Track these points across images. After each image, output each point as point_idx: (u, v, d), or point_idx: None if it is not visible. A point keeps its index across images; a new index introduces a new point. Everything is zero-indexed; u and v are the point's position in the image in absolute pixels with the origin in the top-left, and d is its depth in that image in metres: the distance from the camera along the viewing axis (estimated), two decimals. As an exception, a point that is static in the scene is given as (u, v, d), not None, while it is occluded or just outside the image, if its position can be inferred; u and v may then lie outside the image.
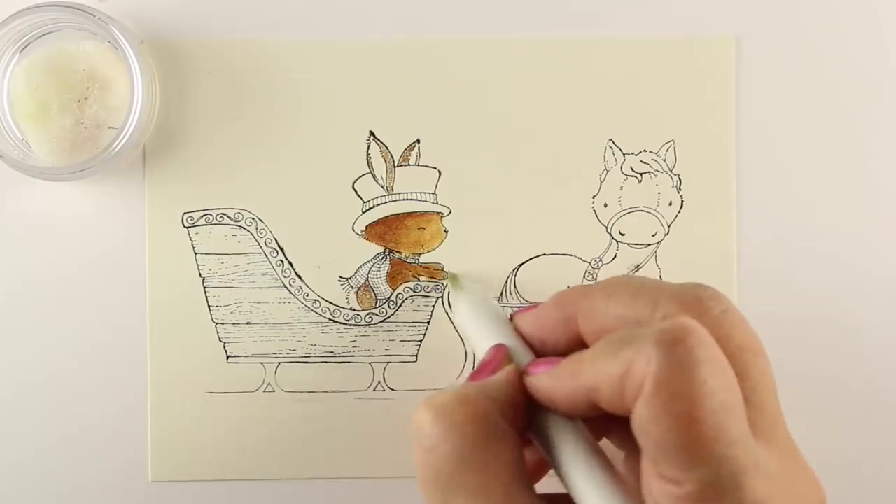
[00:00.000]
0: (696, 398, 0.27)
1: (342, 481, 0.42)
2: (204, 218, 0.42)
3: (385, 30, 0.42)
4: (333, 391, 0.42)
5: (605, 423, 0.32)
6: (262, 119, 0.42)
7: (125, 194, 0.42)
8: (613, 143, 0.42)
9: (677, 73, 0.42)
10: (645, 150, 0.42)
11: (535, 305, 0.35)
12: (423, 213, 0.42)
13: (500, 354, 0.34)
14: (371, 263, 0.42)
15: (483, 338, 0.36)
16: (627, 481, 0.31)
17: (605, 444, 0.32)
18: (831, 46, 0.42)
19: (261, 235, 0.42)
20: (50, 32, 0.41)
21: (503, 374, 0.33)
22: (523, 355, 0.34)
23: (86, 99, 0.40)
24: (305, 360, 0.42)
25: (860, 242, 0.42)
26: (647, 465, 0.29)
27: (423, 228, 0.42)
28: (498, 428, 0.30)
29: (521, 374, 0.33)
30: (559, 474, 0.32)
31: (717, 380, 0.27)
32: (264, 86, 0.42)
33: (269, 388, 0.42)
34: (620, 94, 0.42)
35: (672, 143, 0.42)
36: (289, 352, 0.42)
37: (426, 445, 0.30)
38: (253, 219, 0.42)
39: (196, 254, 0.42)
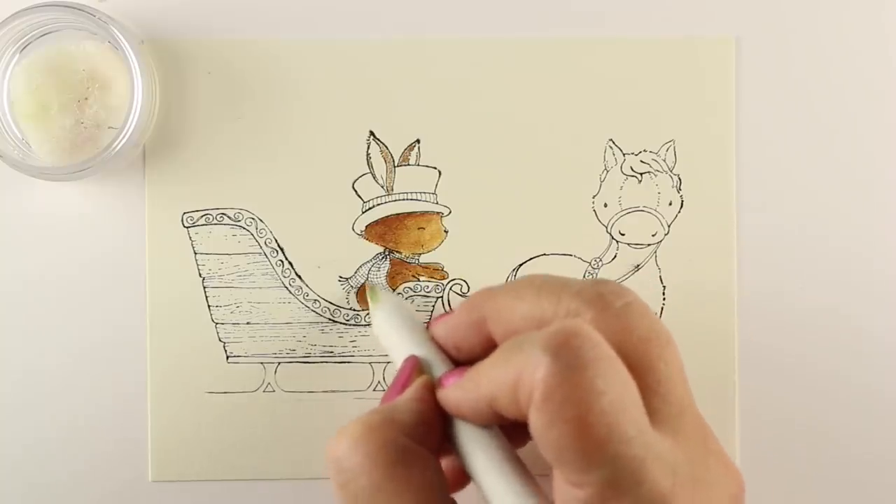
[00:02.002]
0: (585, 401, 0.27)
1: (342, 481, 0.42)
2: (204, 218, 0.42)
3: (385, 30, 0.42)
4: (333, 391, 0.42)
5: (523, 432, 0.31)
6: (262, 119, 0.42)
7: (125, 194, 0.42)
8: (613, 143, 0.42)
9: (677, 73, 0.42)
10: (645, 150, 0.42)
11: (451, 312, 0.35)
12: (423, 213, 0.42)
13: (409, 369, 0.35)
14: (371, 263, 0.42)
15: (398, 348, 0.37)
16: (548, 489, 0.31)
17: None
18: (831, 46, 0.42)
19: (261, 235, 0.42)
20: (50, 32, 0.41)
21: (411, 392, 0.33)
22: (438, 365, 0.35)
23: (86, 99, 0.40)
24: (305, 360, 0.42)
25: (860, 242, 0.42)
26: (555, 472, 0.29)
27: (423, 228, 0.42)
28: (408, 452, 0.31)
29: (431, 386, 0.33)
30: (476, 482, 0.32)
31: (606, 379, 0.28)
32: (264, 86, 0.42)
33: (269, 388, 0.42)
34: (620, 94, 0.42)
35: (672, 143, 0.42)
36: (289, 352, 0.42)
37: (341, 481, 0.31)
38: (253, 219, 0.42)
39: (196, 254, 0.42)
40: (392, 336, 0.37)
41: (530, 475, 0.31)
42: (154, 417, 0.41)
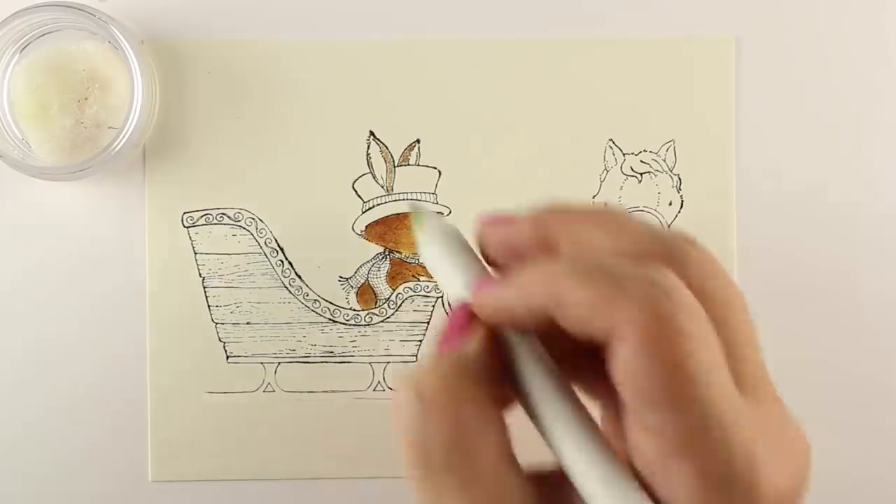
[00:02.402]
0: (687, 344, 0.27)
1: (342, 481, 0.42)
2: (204, 218, 0.42)
3: (385, 30, 0.42)
4: (333, 391, 0.42)
5: (573, 369, 0.31)
6: (262, 119, 0.42)
7: (125, 194, 0.42)
8: (613, 143, 0.42)
9: (677, 73, 0.42)
10: (645, 150, 0.42)
11: (505, 216, 0.33)
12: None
13: (467, 314, 0.32)
14: (371, 263, 0.42)
15: (452, 282, 0.33)
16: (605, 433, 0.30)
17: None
18: (831, 46, 0.42)
19: (261, 235, 0.42)
20: (50, 32, 0.41)
21: (477, 341, 0.31)
22: None
23: (86, 99, 0.40)
24: (305, 360, 0.42)
25: (860, 242, 0.42)
26: (629, 418, 0.28)
27: (423, 228, 0.42)
28: (484, 409, 0.29)
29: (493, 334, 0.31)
30: (538, 425, 0.30)
31: (702, 330, 0.27)
32: (264, 86, 0.42)
33: (269, 388, 0.42)
34: (620, 94, 0.42)
35: (672, 143, 0.42)
36: (289, 352, 0.42)
37: (413, 439, 0.29)
38: (253, 219, 0.42)
39: (196, 254, 0.42)
40: (443, 264, 0.34)
41: (589, 416, 0.30)
42: (154, 417, 0.41)
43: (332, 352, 0.42)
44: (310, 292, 0.42)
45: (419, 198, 0.42)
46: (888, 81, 0.42)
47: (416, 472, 0.30)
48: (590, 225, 0.31)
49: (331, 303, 0.42)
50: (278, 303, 0.42)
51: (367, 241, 0.42)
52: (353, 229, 0.42)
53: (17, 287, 0.42)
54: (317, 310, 0.42)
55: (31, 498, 0.42)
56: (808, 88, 0.42)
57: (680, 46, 0.42)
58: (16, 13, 0.39)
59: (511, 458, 0.30)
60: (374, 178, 0.42)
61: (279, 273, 0.42)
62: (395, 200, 0.42)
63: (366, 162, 0.42)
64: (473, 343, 0.31)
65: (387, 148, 0.42)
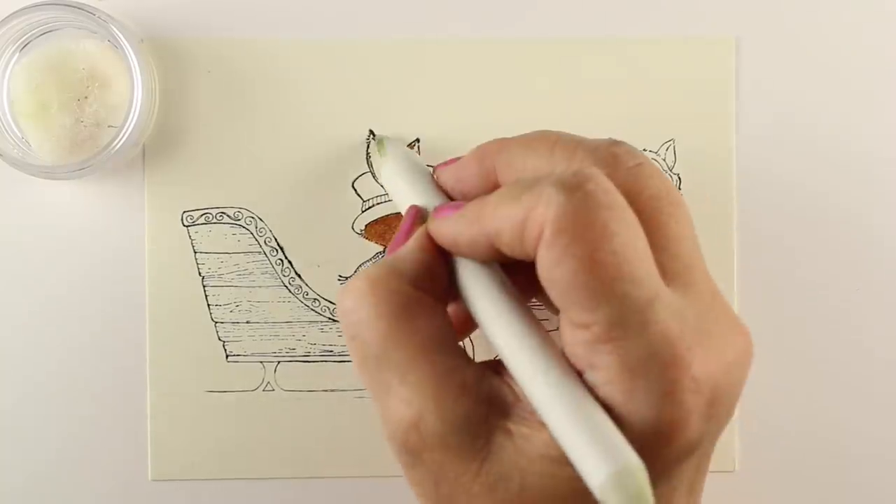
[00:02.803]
0: (596, 240, 0.27)
1: (342, 481, 0.42)
2: (203, 217, 0.42)
3: (385, 30, 0.42)
4: (333, 390, 0.42)
5: (530, 283, 0.31)
6: (262, 118, 0.42)
7: (125, 194, 0.42)
8: (613, 142, 0.42)
9: (677, 73, 0.42)
10: (645, 150, 0.42)
11: (456, 159, 0.35)
12: (423, 213, 0.42)
13: (412, 217, 0.34)
14: (371, 262, 0.42)
15: (405, 197, 0.36)
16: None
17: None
18: (831, 46, 0.42)
19: (260, 234, 0.42)
20: (50, 31, 0.41)
21: (413, 241, 0.33)
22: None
23: (86, 98, 0.40)
24: (305, 359, 0.42)
25: (860, 242, 0.42)
26: (561, 317, 0.29)
27: (423, 228, 0.42)
28: (412, 300, 0.31)
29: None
30: (479, 324, 0.32)
31: (617, 224, 0.28)
32: (264, 85, 0.42)
33: (269, 388, 0.42)
34: (620, 94, 0.42)
35: (672, 142, 0.42)
36: (288, 351, 0.42)
37: (350, 334, 0.31)
38: (252, 218, 0.42)
39: (196, 253, 0.42)
40: (398, 185, 0.37)
41: (531, 314, 0.31)
42: (154, 417, 0.41)
43: (331, 351, 0.42)
44: (309, 291, 0.42)
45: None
46: (889, 81, 0.42)
47: (358, 366, 0.31)
48: (521, 150, 0.32)
49: (331, 302, 0.42)
50: (278, 302, 0.42)
51: (366, 240, 0.42)
52: (353, 228, 0.42)
53: (16, 286, 0.42)
54: (316, 309, 0.42)
55: (30, 497, 0.42)
56: (808, 88, 0.42)
57: (680, 46, 0.42)
58: (15, 12, 0.39)
59: (446, 346, 0.31)
60: (373, 177, 0.42)
61: (279, 272, 0.42)
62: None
63: (366, 161, 0.42)
64: (409, 244, 0.32)
65: (387, 147, 0.42)
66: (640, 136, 0.42)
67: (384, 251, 0.42)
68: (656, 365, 0.27)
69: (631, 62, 0.42)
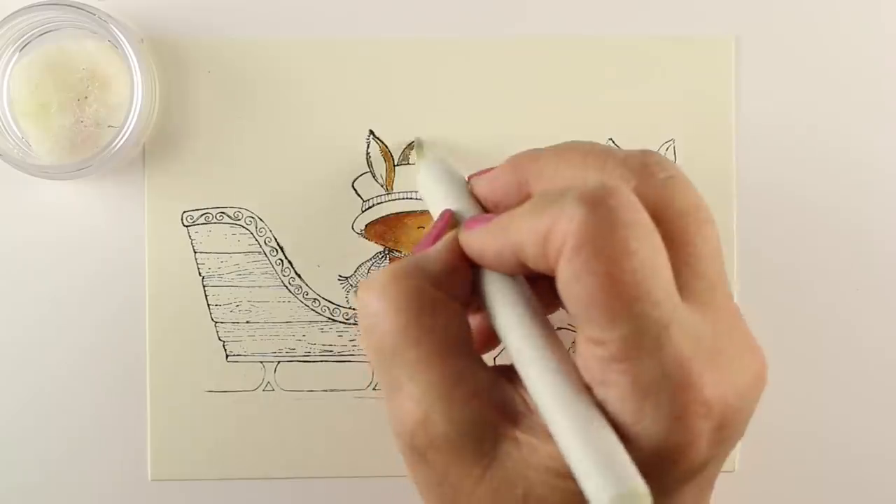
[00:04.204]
0: (616, 257, 0.27)
1: (342, 481, 0.42)
2: (203, 217, 0.42)
3: (385, 30, 0.42)
4: (333, 390, 0.42)
5: (550, 293, 0.31)
6: (262, 118, 0.42)
7: (125, 193, 0.42)
8: (613, 142, 0.42)
9: (677, 72, 0.42)
10: (645, 150, 0.42)
11: (490, 169, 0.35)
12: (423, 213, 0.42)
13: (444, 220, 0.34)
14: (371, 262, 0.42)
15: (438, 203, 0.36)
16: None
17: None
18: (831, 46, 0.42)
19: (260, 234, 0.42)
20: (50, 31, 0.41)
21: (443, 243, 0.33)
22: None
23: (85, 98, 0.40)
24: (305, 359, 0.42)
25: (861, 242, 0.42)
26: (578, 331, 0.29)
27: (423, 227, 0.42)
28: (433, 300, 0.31)
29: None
30: (499, 335, 0.32)
31: (638, 241, 0.28)
32: (264, 85, 0.42)
33: (269, 387, 0.42)
34: (620, 93, 0.42)
35: (672, 142, 0.42)
36: (288, 351, 0.42)
37: (366, 325, 0.31)
38: (252, 217, 0.42)
39: (196, 252, 0.42)
40: (434, 190, 0.37)
41: (550, 328, 0.31)
42: (154, 417, 0.41)
43: (331, 351, 0.42)
44: (309, 291, 0.42)
45: (419, 197, 0.42)
46: (888, 81, 0.42)
47: (372, 359, 0.31)
48: (553, 160, 0.32)
49: (330, 302, 0.42)
50: (278, 302, 0.42)
51: (366, 241, 0.42)
52: (353, 228, 0.42)
53: (16, 286, 0.42)
54: (316, 309, 0.42)
55: (30, 497, 0.42)
56: (808, 88, 0.42)
57: (680, 46, 0.42)
58: (15, 12, 0.39)
59: (462, 348, 0.31)
60: (373, 177, 0.42)
61: (279, 272, 0.42)
62: (395, 199, 0.42)
63: (366, 161, 0.42)
64: (438, 246, 0.32)
65: (387, 147, 0.42)
66: (640, 136, 0.42)
67: (384, 251, 0.42)
68: (668, 387, 0.27)
69: (631, 62, 0.42)
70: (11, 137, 0.40)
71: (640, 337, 0.27)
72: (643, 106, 0.42)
